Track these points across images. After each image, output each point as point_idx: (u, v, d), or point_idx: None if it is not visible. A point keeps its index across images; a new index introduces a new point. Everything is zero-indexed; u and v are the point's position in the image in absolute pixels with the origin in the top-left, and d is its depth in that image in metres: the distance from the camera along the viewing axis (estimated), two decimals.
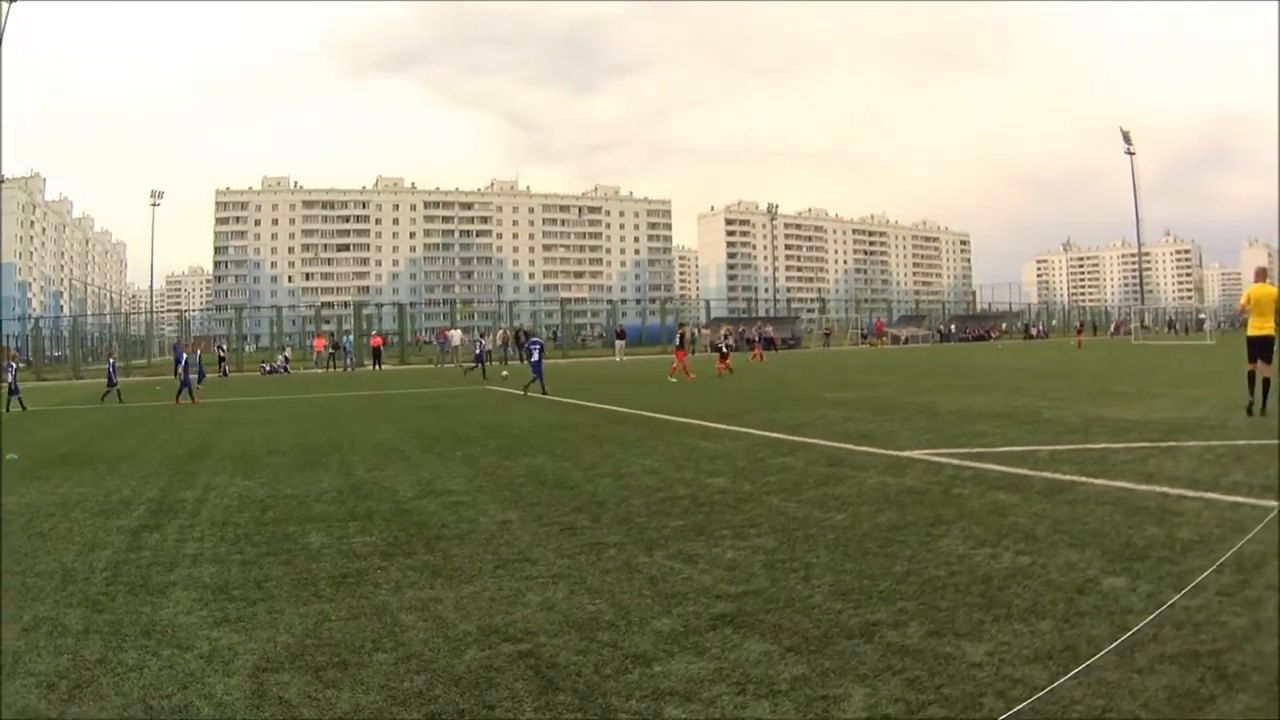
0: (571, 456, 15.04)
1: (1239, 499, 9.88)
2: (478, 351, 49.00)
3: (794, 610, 6.55)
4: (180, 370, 34.79)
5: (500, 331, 78.74)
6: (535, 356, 31.09)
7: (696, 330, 74.90)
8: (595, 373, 47.56)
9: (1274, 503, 9.74)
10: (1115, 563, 7.53)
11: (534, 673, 5.52)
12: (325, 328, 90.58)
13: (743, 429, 18.43)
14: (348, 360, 69.12)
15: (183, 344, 65.45)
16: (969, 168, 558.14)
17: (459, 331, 77.09)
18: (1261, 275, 18.83)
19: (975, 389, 27.40)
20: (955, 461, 13.15)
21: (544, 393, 29.71)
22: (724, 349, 42.40)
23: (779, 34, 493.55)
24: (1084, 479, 11.43)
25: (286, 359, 70.73)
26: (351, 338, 75.08)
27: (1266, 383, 17.14)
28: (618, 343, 72.46)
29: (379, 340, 71.72)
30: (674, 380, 36.50)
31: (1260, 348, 17.30)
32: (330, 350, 71.83)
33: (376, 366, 66.02)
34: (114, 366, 36.93)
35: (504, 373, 45.59)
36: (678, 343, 43.41)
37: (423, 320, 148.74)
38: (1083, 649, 5.59)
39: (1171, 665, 5.28)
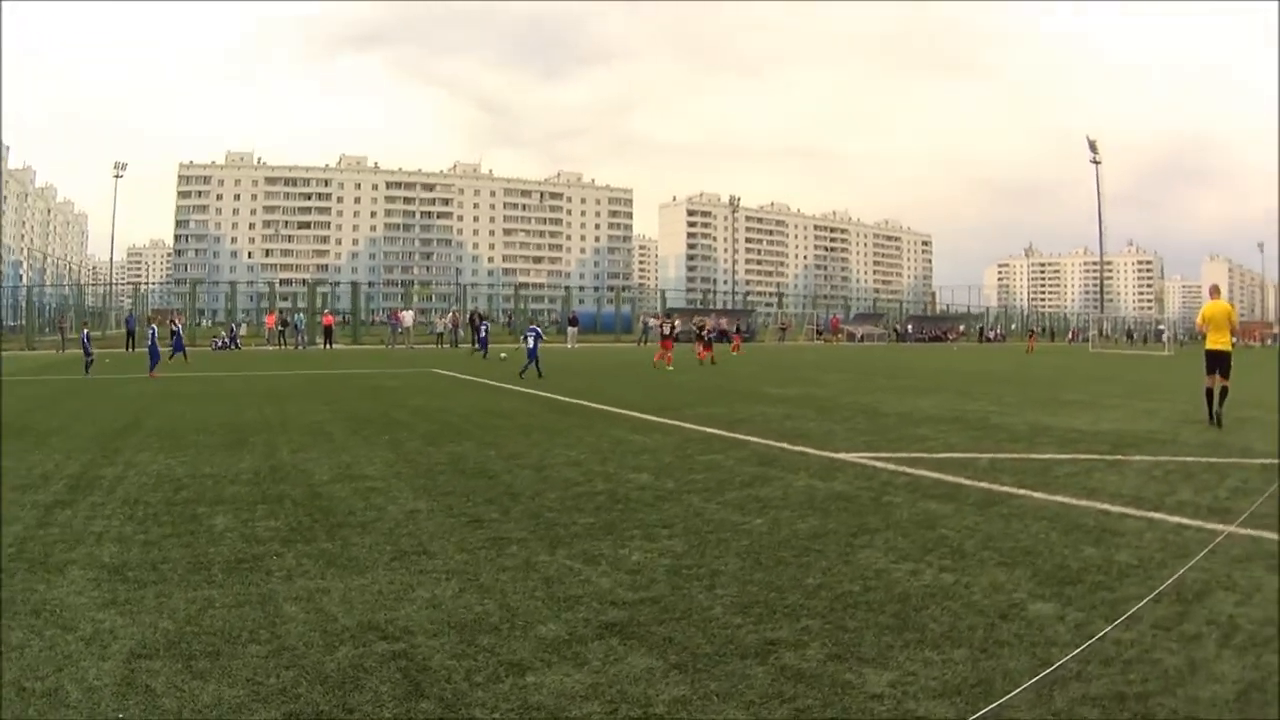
0: (497, 444, 14.71)
1: (1184, 520, 9.48)
2: (482, 334, 50.77)
3: (689, 623, 6.16)
4: (150, 342, 34.57)
5: (451, 314, 77.66)
6: (532, 343, 32.03)
7: (673, 321, 74.07)
8: (545, 360, 44.48)
9: (1222, 526, 9.35)
10: (1045, 586, 7.10)
11: (403, 675, 5.26)
12: (282, 304, 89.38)
13: (677, 423, 17.96)
14: (299, 338, 68.21)
15: (135, 317, 65.53)
16: (935, 169, 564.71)
17: (411, 313, 76.24)
18: (1215, 292, 19.22)
19: (924, 390, 26.99)
20: (891, 466, 12.70)
21: (540, 375, 30.42)
22: (708, 338, 43.85)
23: (751, 30, 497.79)
24: (1023, 491, 10.98)
25: (235, 335, 69.11)
26: (304, 316, 73.33)
27: (1225, 392, 17.78)
28: (570, 329, 71.99)
29: (330, 319, 70.09)
30: (670, 368, 37.88)
31: (1216, 362, 17.91)
32: (281, 328, 70.19)
33: (328, 345, 64.67)
34: (88, 338, 35.92)
35: (503, 354, 45.36)
36: (665, 333, 43.73)
37: (381, 301, 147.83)
38: (997, 685, 5.17)
39: (1094, 709, 4.87)
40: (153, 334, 35.06)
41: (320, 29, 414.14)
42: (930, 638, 5.91)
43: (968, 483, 11.52)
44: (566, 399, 23.31)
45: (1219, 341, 18.13)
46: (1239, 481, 11.69)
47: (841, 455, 13.79)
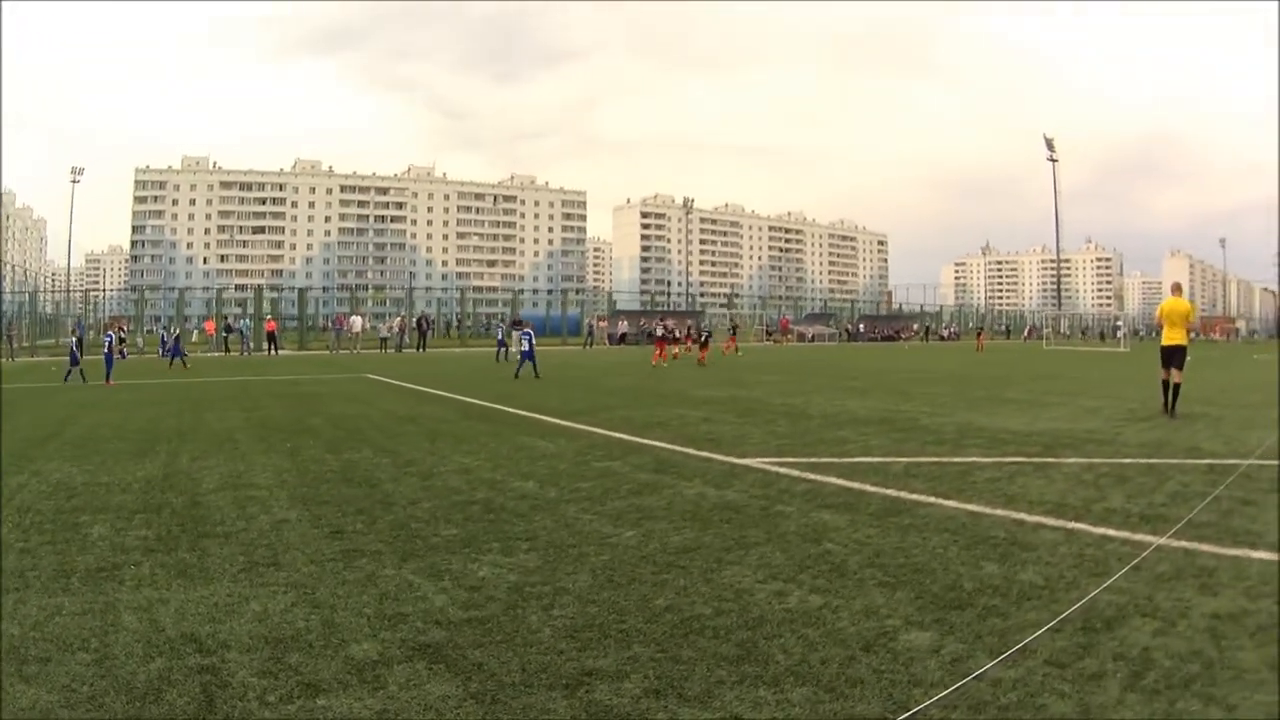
0: (396, 452, 14.25)
1: (1109, 531, 8.73)
2: (499, 338, 51.26)
3: (510, 647, 5.72)
4: (106, 350, 33.70)
5: (398, 319, 76.40)
6: (526, 346, 33.38)
7: (666, 324, 73.10)
8: (481, 363, 46.19)
9: (1151, 538, 8.44)
10: (928, 611, 6.36)
11: (202, 691, 5.05)
12: (234, 310, 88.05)
13: (589, 427, 17.36)
14: (245, 344, 66.72)
15: (84, 325, 63.63)
16: (893, 169, 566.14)
17: (359, 318, 74.86)
18: (1177, 290, 20.13)
19: (860, 391, 26.24)
20: (795, 473, 11.98)
21: (536, 375, 32.00)
22: (703, 339, 46.61)
23: (709, 30, 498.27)
24: (933, 499, 10.22)
25: (172, 343, 67.48)
26: (249, 321, 72.07)
27: (1177, 387, 18.49)
28: (515, 333, 70.38)
29: (273, 325, 68.60)
30: (665, 365, 40.67)
31: (1172, 356, 18.58)
32: (225, 334, 68.90)
33: (273, 351, 63.35)
34: (78, 344, 35.59)
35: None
36: (659, 334, 46.94)
37: (335, 305, 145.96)
38: None
39: None
40: (109, 341, 34.19)
41: (277, 31, 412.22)
42: (772, 673, 5.26)
43: (873, 490, 10.78)
44: (488, 404, 22.70)
45: (1174, 337, 18.79)
46: (1179, 485, 10.90)
47: (746, 460, 13.09)
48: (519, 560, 7.71)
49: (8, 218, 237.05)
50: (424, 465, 12.89)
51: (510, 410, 21.04)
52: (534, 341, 33.98)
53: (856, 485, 11.05)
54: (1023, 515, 9.26)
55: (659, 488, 11.04)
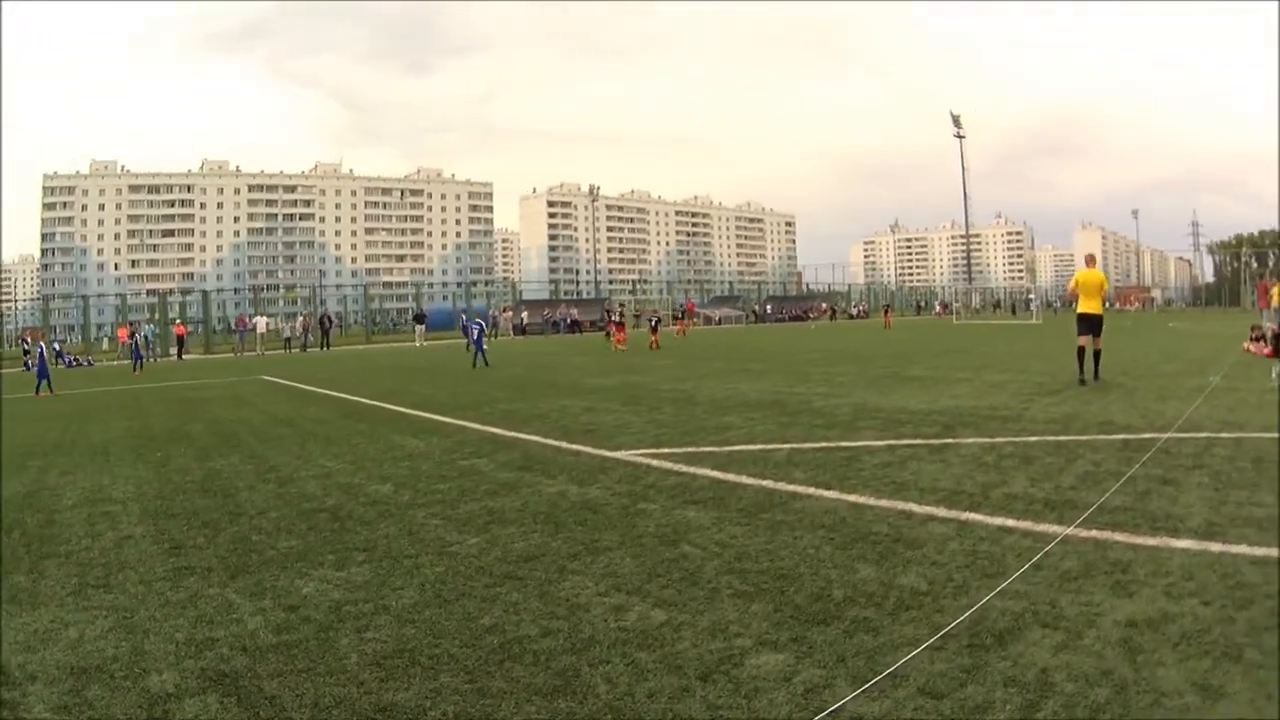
0: (263, 457, 13.73)
1: (1008, 521, 7.80)
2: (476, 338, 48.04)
3: (311, 676, 5.22)
4: (39, 361, 32.72)
5: (302, 318, 75.55)
6: (476, 335, 35.09)
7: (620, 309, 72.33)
8: (383, 360, 44.63)
9: (1057, 528, 7.45)
10: (785, 627, 5.59)
11: None
12: (140, 316, 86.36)
13: (467, 422, 16.66)
14: (151, 351, 64.18)
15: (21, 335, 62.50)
16: (800, 154, 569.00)
17: (263, 319, 73.38)
18: (1090, 261, 20.39)
19: (755, 374, 25.18)
20: (667, 465, 11.26)
21: (486, 364, 33.33)
22: (653, 324, 47.18)
23: (612, 20, 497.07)
24: (811, 490, 9.39)
25: (61, 352, 65.81)
26: (153, 328, 70.45)
27: (1098, 354, 18.81)
28: (418, 328, 70.20)
29: (182, 329, 67.59)
30: (623, 348, 42.24)
31: (1090, 324, 18.90)
32: (133, 341, 66.96)
33: (179, 356, 62.42)
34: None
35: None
36: (617, 319, 50.18)
37: (247, 307, 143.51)
38: None
39: None
40: (40, 352, 33.44)
41: (182, 30, 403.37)
42: (588, 710, 4.63)
43: (748, 481, 9.97)
44: (372, 402, 22.01)
45: (1090, 306, 19.11)
46: (1089, 465, 10.00)
47: (619, 453, 12.37)
48: (349, 574, 7.17)
49: None
50: (286, 470, 12.35)
51: (392, 407, 20.38)
52: (484, 332, 35.83)
53: (731, 477, 10.27)
54: (911, 506, 8.40)
55: (518, 487, 10.39)
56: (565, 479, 10.73)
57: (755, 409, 16.63)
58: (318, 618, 6.16)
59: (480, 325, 36.20)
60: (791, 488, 9.48)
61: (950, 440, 12.07)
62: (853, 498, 8.85)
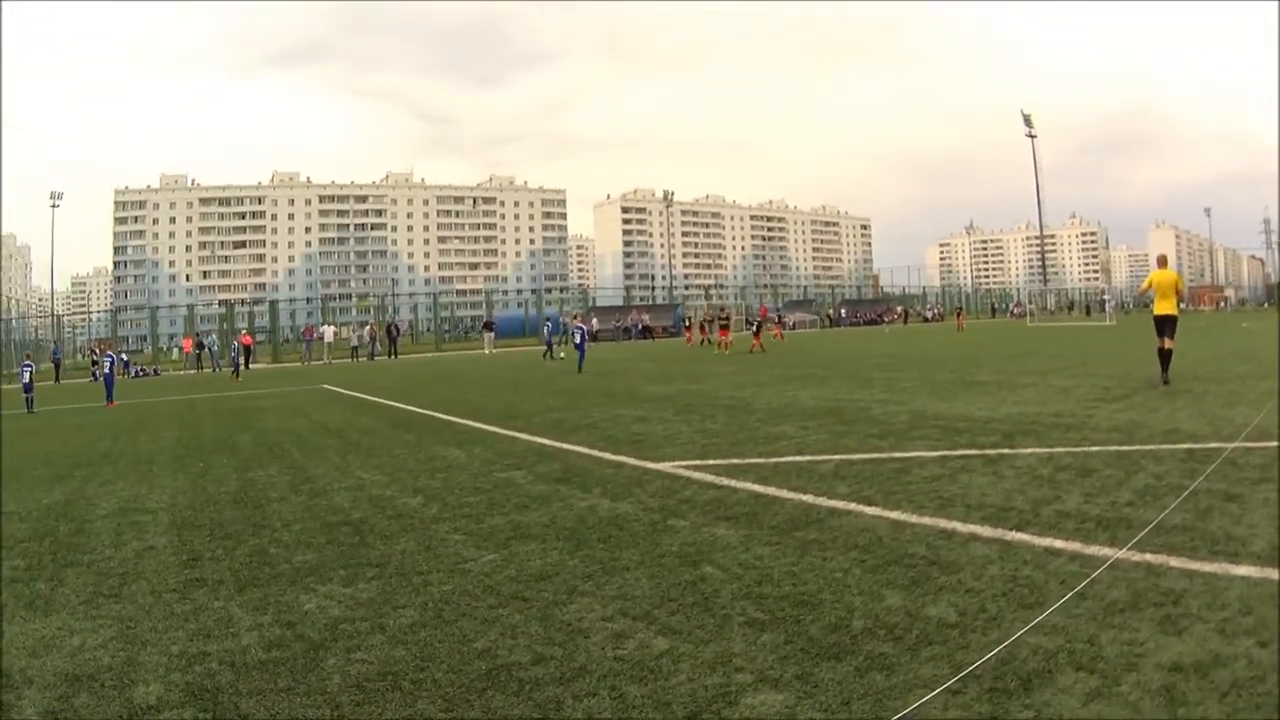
0: (303, 468, 13.67)
1: (1055, 542, 7.17)
2: (548, 339, 53.42)
3: (290, 695, 5.10)
4: (107, 371, 33.76)
5: (369, 326, 74.90)
6: (579, 340, 36.73)
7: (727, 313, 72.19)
8: (448, 368, 45.51)
9: (1108, 551, 6.84)
10: (793, 662, 5.11)
11: None
12: (208, 326, 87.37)
13: (515, 432, 16.42)
14: (215, 361, 66.66)
15: (60, 349, 63.60)
16: (872, 154, 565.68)
17: (331, 328, 74.42)
18: (1163, 262, 20.34)
19: (818, 380, 24.69)
20: (709, 478, 10.81)
21: (580, 370, 33.90)
22: (756, 327, 49.28)
23: (679, 28, 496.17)
24: (853, 506, 8.87)
25: (124, 359, 66.48)
26: (216, 338, 71.42)
27: (1170, 354, 18.46)
28: (486, 335, 70.15)
29: (249, 339, 67.53)
30: (727, 353, 43.33)
31: (1165, 325, 18.68)
32: (198, 351, 68.24)
33: (246, 366, 61.50)
34: (31, 372, 33.59)
35: (561, 354, 49.96)
36: (723, 323, 49.62)
37: (318, 316, 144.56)
38: None
39: None
40: (110, 363, 34.08)
41: (251, 46, 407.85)
42: None
43: (788, 496, 9.49)
44: (425, 411, 21.92)
45: (1165, 307, 18.95)
46: (1150, 478, 9.28)
47: (661, 465, 11.99)
48: (355, 591, 7.01)
49: None
50: (321, 482, 12.24)
51: (443, 417, 20.24)
52: (586, 337, 37.56)
53: (771, 491, 9.81)
54: (954, 524, 7.85)
55: (550, 501, 10.08)
56: (599, 493, 10.40)
57: (811, 417, 16.13)
58: (311, 635, 6.03)
59: (582, 330, 37.79)
60: (831, 503, 9.02)
61: (1007, 450, 11.49)
62: (894, 514, 8.36)
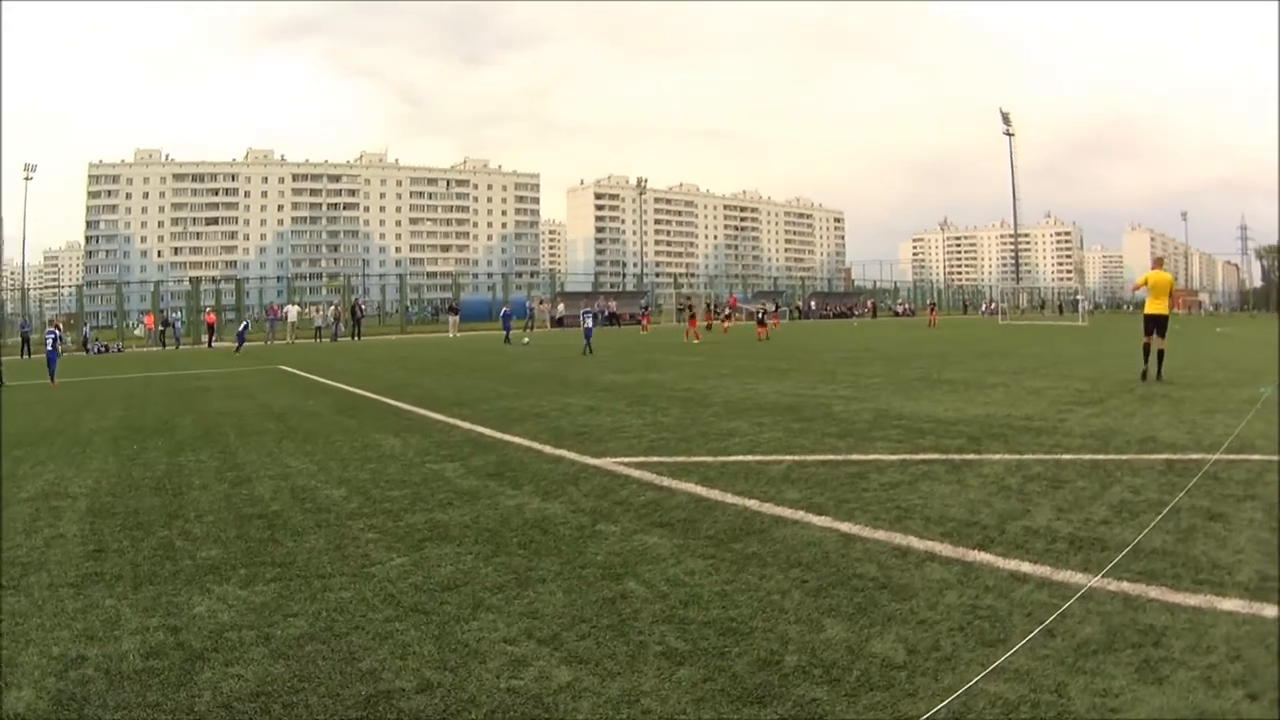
0: (234, 453, 13.23)
1: (1022, 566, 6.47)
2: (506, 325, 53.30)
3: (152, 714, 4.64)
4: (49, 347, 32.85)
5: (333, 306, 74.18)
6: (589, 324, 37.38)
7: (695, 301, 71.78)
8: (408, 351, 44.61)
9: (1080, 578, 6.14)
10: (709, 705, 4.48)
11: None
12: (177, 303, 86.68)
13: (458, 420, 15.88)
14: (176, 337, 66.48)
15: (29, 323, 63.18)
16: (848, 148, 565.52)
17: (295, 307, 73.34)
18: (1159, 263, 21.03)
19: (780, 373, 24.02)
20: (650, 476, 10.19)
21: (590, 353, 35.05)
22: (761, 317, 51.53)
23: (663, 17, 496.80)
24: (801, 514, 8.16)
25: (85, 334, 66.02)
26: (181, 315, 70.71)
27: (1161, 353, 19.19)
28: (451, 318, 69.57)
29: (212, 317, 68.30)
30: (697, 341, 44.18)
31: (1156, 324, 19.43)
32: (161, 328, 67.75)
33: (209, 344, 62.31)
34: None
35: (525, 339, 50.85)
36: (689, 313, 52.32)
37: (289, 295, 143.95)
38: None
39: None
40: (54, 338, 33.36)
41: (233, 21, 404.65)
42: None
43: (732, 500, 8.84)
44: (374, 395, 21.48)
45: (1157, 306, 19.59)
46: (1127, 491, 8.63)
47: (602, 461, 11.38)
48: (250, 594, 6.55)
49: None
50: (248, 469, 11.79)
51: (391, 402, 19.72)
52: (595, 322, 38.89)
53: (715, 494, 9.16)
54: (911, 539, 7.14)
55: (477, 498, 9.53)
56: (530, 490, 9.84)
57: (768, 413, 15.53)
58: (193, 644, 5.58)
59: (591, 313, 39.12)
60: (778, 510, 8.34)
61: (973, 456, 10.82)
62: (845, 526, 7.65)
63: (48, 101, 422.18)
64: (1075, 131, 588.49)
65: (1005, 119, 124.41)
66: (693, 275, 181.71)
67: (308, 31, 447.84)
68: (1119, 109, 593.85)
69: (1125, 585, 5.88)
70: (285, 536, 8.16)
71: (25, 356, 52.22)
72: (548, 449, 12.54)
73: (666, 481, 9.91)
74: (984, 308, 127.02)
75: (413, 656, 5.22)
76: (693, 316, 50.77)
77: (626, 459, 11.44)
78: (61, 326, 53.71)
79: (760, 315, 52.57)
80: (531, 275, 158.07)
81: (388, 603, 6.22)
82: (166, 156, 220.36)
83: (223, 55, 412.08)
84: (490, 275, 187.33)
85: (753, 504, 8.64)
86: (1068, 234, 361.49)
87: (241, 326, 55.16)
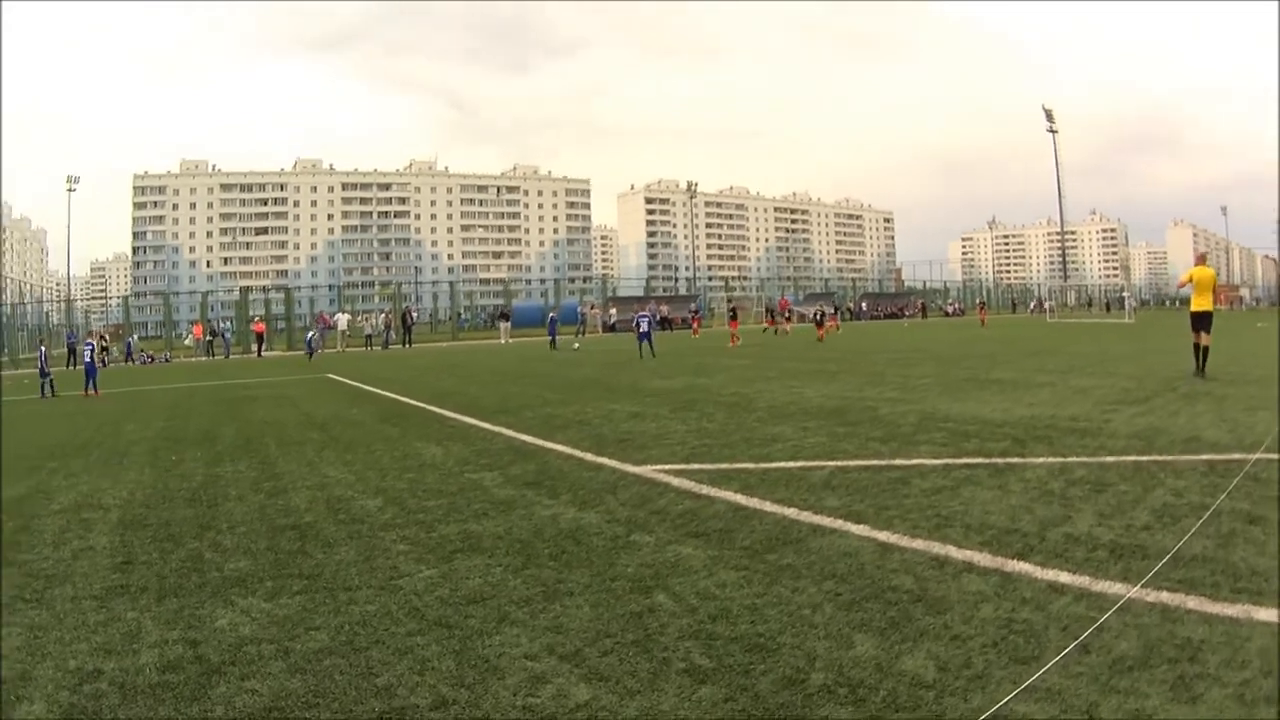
0: (274, 463, 13.21)
1: (1060, 576, 6.26)
2: (552, 331, 53.59)
3: None
4: (88, 359, 32.65)
5: (384, 315, 74.01)
6: (644, 328, 37.06)
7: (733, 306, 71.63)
8: (458, 358, 45.28)
9: (1120, 587, 5.94)
10: None
11: None
12: (227, 313, 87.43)
13: (500, 428, 15.80)
14: (226, 347, 66.85)
15: (75, 334, 63.83)
16: (894, 149, 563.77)
17: (345, 315, 73.64)
18: (1202, 259, 20.71)
19: (828, 375, 23.81)
20: (689, 485, 10.03)
21: (653, 356, 35.06)
22: (820, 319, 51.50)
23: (705, 20, 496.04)
24: (839, 523, 7.98)
25: (129, 345, 66.68)
26: (231, 324, 71.08)
27: (1206, 350, 19.01)
28: (502, 325, 69.65)
29: (261, 326, 68.42)
30: (733, 345, 43.38)
31: (1202, 320, 19.20)
32: (209, 337, 68.26)
33: (258, 353, 63.08)
34: (45, 357, 33.21)
35: (575, 345, 51.35)
36: (730, 315, 52.94)
37: (340, 304, 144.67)
38: None
39: None
40: (90, 350, 33.18)
41: (276, 30, 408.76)
42: None
43: (770, 509, 8.65)
44: (419, 404, 21.43)
45: (1203, 303, 19.45)
46: (1170, 495, 8.36)
47: (642, 469, 11.21)
48: (275, 606, 6.48)
49: (6, 229, 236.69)
50: (286, 480, 11.74)
51: (435, 410, 19.73)
52: (651, 325, 38.22)
53: (754, 503, 8.99)
54: (949, 549, 6.95)
55: (513, 508, 9.43)
56: (567, 499, 9.71)
57: (813, 417, 15.33)
58: (211, 657, 5.53)
59: (648, 318, 38.52)
60: (816, 519, 8.17)
61: (1017, 459, 10.60)
62: (884, 535, 7.48)
63: (91, 112, 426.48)
64: (1115, 127, 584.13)
65: (1049, 116, 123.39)
66: (745, 278, 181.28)
67: (353, 41, 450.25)
68: (1160, 103, 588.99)
69: (1164, 596, 5.68)
70: (316, 548, 8.12)
71: (71, 367, 52.42)
72: (589, 457, 12.41)
73: (706, 490, 9.76)
74: (1031, 306, 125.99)
75: (431, 672, 5.14)
76: (733, 318, 51.80)
77: (667, 466, 11.31)
78: (108, 337, 54.18)
79: (819, 317, 52.52)
80: (584, 281, 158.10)
81: (412, 616, 6.14)
82: (213, 167, 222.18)
83: (268, 65, 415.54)
84: (543, 281, 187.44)
85: (791, 512, 8.49)
86: (1113, 231, 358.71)
87: (310, 335, 55.78)
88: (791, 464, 11.10)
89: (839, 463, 10.97)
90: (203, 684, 5.10)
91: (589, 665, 5.10)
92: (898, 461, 10.91)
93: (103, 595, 6.93)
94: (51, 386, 31.90)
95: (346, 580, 7.06)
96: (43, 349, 34.40)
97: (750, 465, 11.14)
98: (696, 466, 11.24)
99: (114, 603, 6.73)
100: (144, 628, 6.11)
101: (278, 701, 4.81)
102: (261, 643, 5.74)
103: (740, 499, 9.20)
